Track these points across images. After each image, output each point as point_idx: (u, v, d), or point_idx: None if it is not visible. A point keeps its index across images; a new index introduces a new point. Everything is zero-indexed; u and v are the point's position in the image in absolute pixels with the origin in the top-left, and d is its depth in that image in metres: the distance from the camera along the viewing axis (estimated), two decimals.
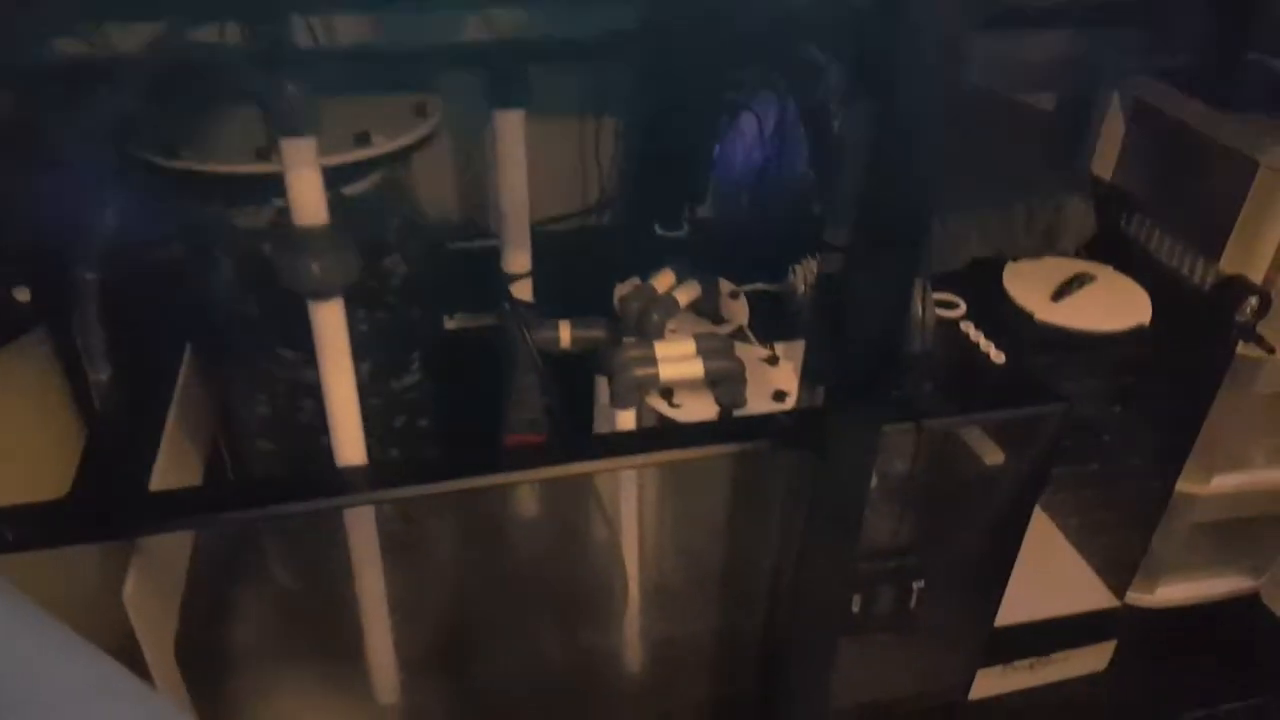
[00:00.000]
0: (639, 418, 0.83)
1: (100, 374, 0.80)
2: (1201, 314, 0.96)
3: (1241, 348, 0.94)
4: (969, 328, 0.89)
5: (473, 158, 1.08)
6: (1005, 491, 0.88)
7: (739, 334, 0.92)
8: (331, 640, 0.84)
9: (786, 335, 0.90)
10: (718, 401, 0.83)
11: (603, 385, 0.84)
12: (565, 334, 0.90)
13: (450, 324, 1.00)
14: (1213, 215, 0.96)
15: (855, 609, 0.88)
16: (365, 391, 0.73)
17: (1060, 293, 0.94)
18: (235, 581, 0.85)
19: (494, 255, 0.96)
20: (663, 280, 0.92)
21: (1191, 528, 1.06)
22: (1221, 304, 0.94)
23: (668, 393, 0.83)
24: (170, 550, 0.79)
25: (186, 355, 0.90)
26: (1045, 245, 0.98)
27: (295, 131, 0.63)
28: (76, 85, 0.73)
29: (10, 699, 0.41)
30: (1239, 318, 0.93)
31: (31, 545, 0.63)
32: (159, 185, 0.72)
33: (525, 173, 0.87)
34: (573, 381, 0.90)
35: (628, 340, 0.84)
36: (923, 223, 0.61)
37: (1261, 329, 0.94)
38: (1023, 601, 0.96)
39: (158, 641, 0.72)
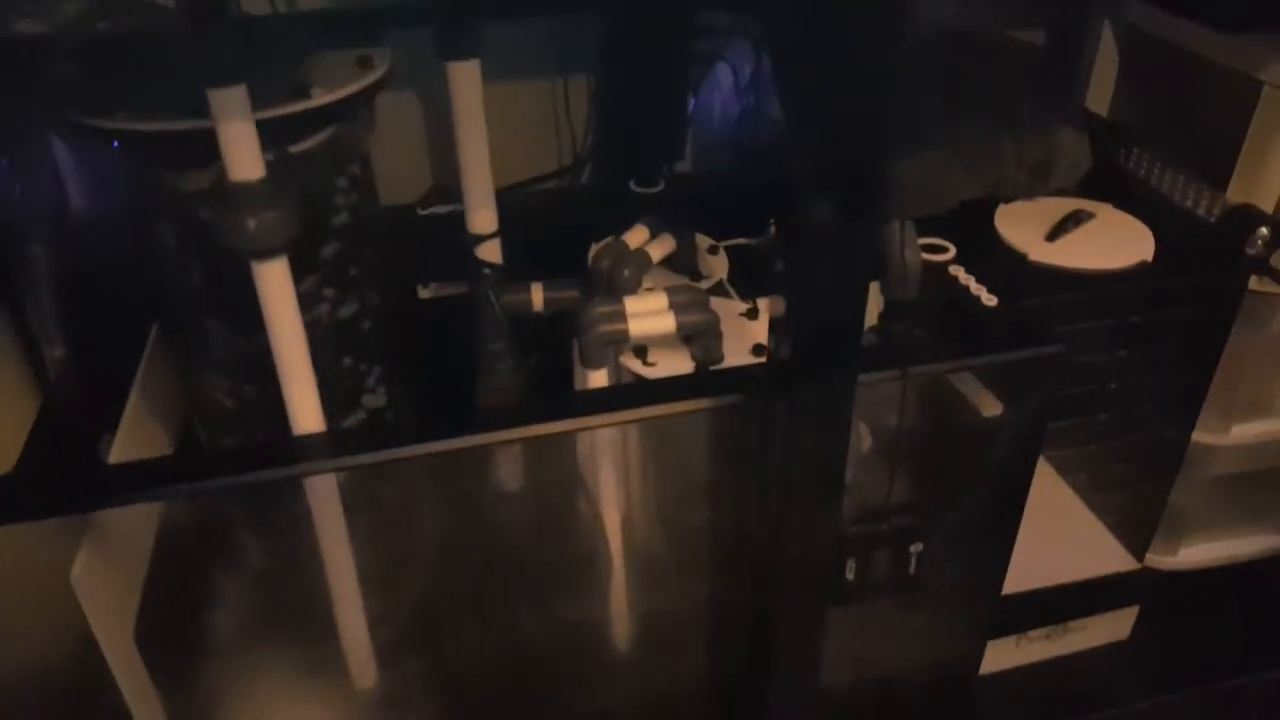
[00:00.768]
0: (615, 379, 0.80)
1: (54, 350, 0.78)
2: (1209, 248, 0.91)
3: (1254, 283, 0.88)
4: (959, 271, 0.85)
5: (443, 122, 1.05)
6: (1006, 445, 0.83)
7: (719, 289, 0.89)
8: (305, 622, 0.82)
9: (769, 289, 0.86)
10: (693, 357, 0.79)
11: (577, 348, 0.81)
12: (538, 296, 0.87)
13: (425, 293, 0.98)
14: (1216, 143, 0.91)
15: (850, 576, 0.84)
16: (327, 373, 0.71)
17: (1056, 232, 0.90)
18: (203, 563, 0.83)
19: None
20: (635, 236, 0.88)
21: (1212, 482, 1.00)
22: (1230, 236, 0.89)
23: (642, 351, 0.80)
24: (129, 529, 0.77)
25: (154, 333, 0.88)
26: (1039, 183, 0.94)
27: (222, 82, 0.61)
28: (12, 53, 0.71)
29: None
30: (1249, 250, 0.88)
31: None
32: (101, 152, 0.71)
33: (484, 128, 0.84)
34: (553, 347, 0.87)
35: (597, 299, 0.81)
36: (878, 157, 0.58)
37: (1275, 261, 0.88)
38: (1035, 567, 0.91)
39: (114, 625, 0.70)
